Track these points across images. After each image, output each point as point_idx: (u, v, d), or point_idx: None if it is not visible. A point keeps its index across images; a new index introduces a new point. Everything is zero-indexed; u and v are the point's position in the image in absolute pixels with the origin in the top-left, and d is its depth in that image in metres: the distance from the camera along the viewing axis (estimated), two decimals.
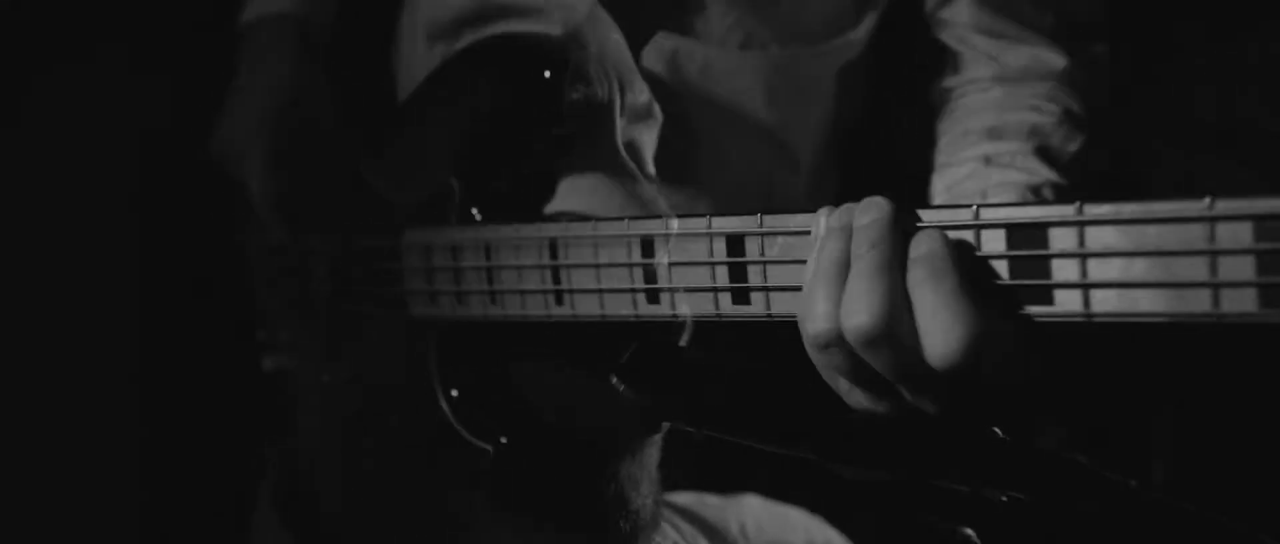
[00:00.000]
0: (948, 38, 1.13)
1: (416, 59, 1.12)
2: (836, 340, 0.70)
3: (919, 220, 0.71)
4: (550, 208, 1.06)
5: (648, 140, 1.06)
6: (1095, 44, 1.12)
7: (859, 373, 0.72)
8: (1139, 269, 0.63)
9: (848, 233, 0.72)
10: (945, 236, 0.68)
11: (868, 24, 1.12)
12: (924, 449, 0.89)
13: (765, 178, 1.13)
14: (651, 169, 1.07)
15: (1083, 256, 0.65)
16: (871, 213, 0.70)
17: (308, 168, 1.16)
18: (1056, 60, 1.09)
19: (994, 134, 1.07)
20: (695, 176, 1.09)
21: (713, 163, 1.10)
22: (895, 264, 0.69)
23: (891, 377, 0.70)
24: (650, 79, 1.06)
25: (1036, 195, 1.00)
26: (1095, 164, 1.08)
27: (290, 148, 1.13)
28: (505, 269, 0.98)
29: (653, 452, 1.06)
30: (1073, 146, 1.06)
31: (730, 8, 1.08)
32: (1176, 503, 0.94)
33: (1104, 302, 0.65)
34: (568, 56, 1.01)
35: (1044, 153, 1.04)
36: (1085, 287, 0.65)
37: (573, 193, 1.05)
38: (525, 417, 1.09)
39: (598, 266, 0.91)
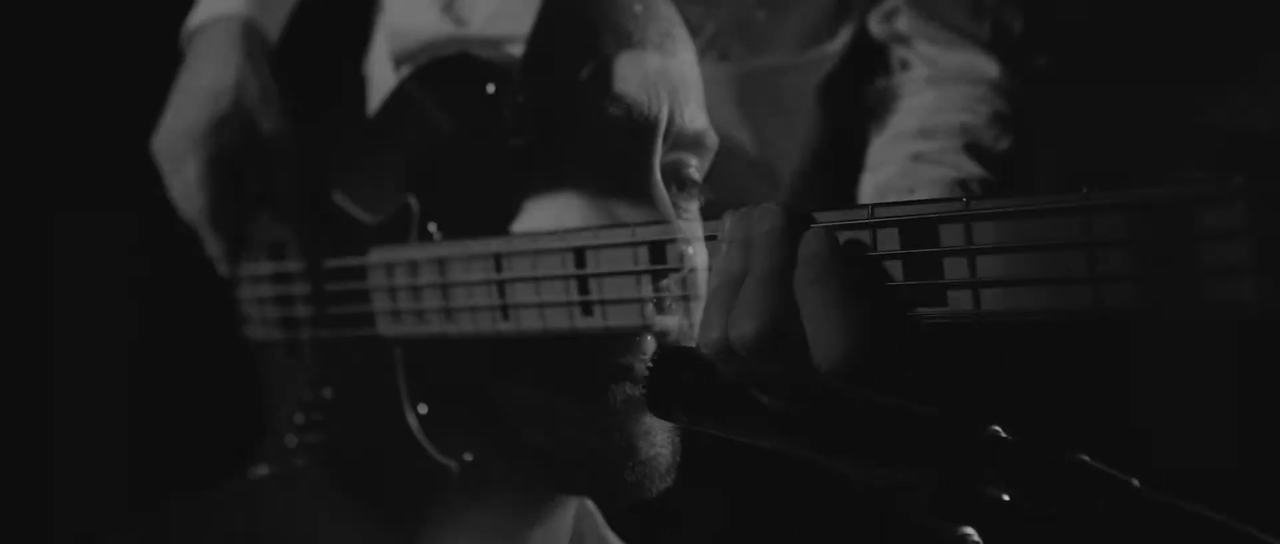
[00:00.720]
0: (889, 43, 1.11)
1: (382, 80, 1.13)
2: (728, 350, 0.69)
3: (813, 223, 0.69)
4: (516, 227, 1.05)
5: (695, 166, 1.04)
6: (1032, 55, 1.09)
7: (758, 378, 0.70)
8: (1020, 265, 0.61)
9: (746, 243, 0.70)
10: (832, 238, 0.66)
11: (844, 36, 1.10)
12: (925, 447, 0.87)
13: (745, 194, 1.11)
14: (696, 184, 1.04)
15: (970, 253, 0.63)
16: (766, 221, 0.69)
17: (253, 177, 1.17)
18: (990, 67, 1.07)
19: (925, 133, 1.05)
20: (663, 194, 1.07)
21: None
22: (787, 271, 0.67)
23: (790, 381, 0.68)
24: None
25: (965, 189, 0.97)
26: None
27: (232, 156, 1.13)
28: (457, 286, 0.98)
29: None
30: (1002, 145, 1.04)
31: (703, 21, 1.07)
32: (1181, 502, 0.91)
33: (991, 299, 0.63)
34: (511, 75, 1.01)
35: (974, 150, 1.02)
36: (974, 285, 0.63)
37: (543, 210, 1.05)
38: (492, 434, 1.09)
39: (537, 280, 0.91)
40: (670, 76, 1.03)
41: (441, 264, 0.99)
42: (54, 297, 1.58)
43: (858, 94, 1.13)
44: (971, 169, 1.00)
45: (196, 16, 1.21)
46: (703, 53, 1.07)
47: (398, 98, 1.10)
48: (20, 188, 1.57)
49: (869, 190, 1.06)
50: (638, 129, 0.99)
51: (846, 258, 0.66)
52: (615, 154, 1.01)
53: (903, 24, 1.09)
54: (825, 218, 0.69)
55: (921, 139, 1.05)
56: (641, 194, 1.01)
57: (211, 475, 1.23)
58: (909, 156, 1.04)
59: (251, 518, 1.21)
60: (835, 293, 0.64)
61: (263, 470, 1.22)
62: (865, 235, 0.68)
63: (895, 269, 0.67)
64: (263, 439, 1.29)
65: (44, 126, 1.58)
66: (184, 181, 1.10)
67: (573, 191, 1.03)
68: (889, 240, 0.67)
